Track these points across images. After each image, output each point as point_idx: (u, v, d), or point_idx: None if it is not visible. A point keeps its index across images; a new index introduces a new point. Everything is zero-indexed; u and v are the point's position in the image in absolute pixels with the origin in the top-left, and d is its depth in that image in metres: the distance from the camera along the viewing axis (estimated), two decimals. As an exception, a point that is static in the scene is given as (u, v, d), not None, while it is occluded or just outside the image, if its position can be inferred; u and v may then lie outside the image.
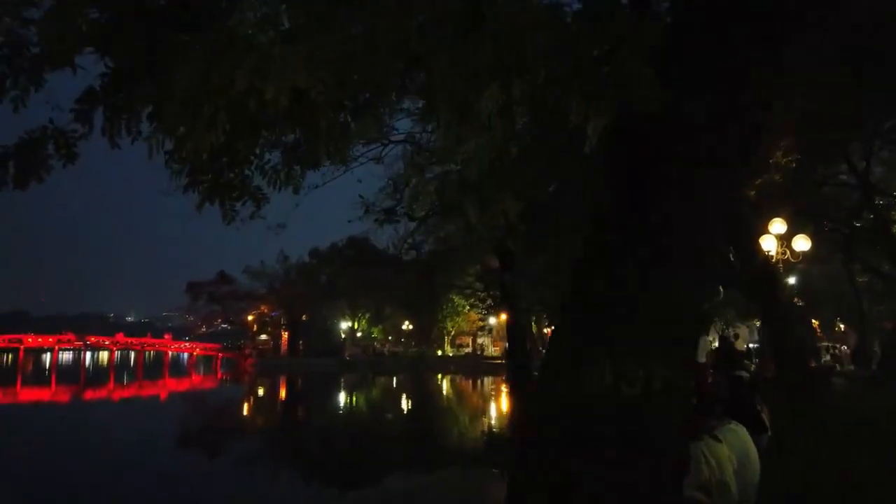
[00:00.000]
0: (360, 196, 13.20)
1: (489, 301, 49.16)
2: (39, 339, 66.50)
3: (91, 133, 3.32)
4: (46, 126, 3.35)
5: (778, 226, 13.73)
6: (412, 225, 13.68)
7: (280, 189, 3.39)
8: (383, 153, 12.18)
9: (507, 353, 10.18)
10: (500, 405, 28.01)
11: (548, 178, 5.41)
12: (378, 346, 67.95)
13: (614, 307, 3.01)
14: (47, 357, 68.75)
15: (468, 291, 50.13)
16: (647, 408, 2.72)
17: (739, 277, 7.87)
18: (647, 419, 2.72)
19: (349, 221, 14.56)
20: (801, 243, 14.24)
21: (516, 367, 9.85)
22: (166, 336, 74.28)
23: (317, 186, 10.96)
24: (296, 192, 3.48)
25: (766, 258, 13.10)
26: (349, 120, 3.48)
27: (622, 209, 3.29)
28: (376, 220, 12.27)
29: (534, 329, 55.90)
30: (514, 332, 10.19)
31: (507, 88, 2.99)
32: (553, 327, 4.23)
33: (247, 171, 3.46)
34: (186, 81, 2.47)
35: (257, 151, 3.38)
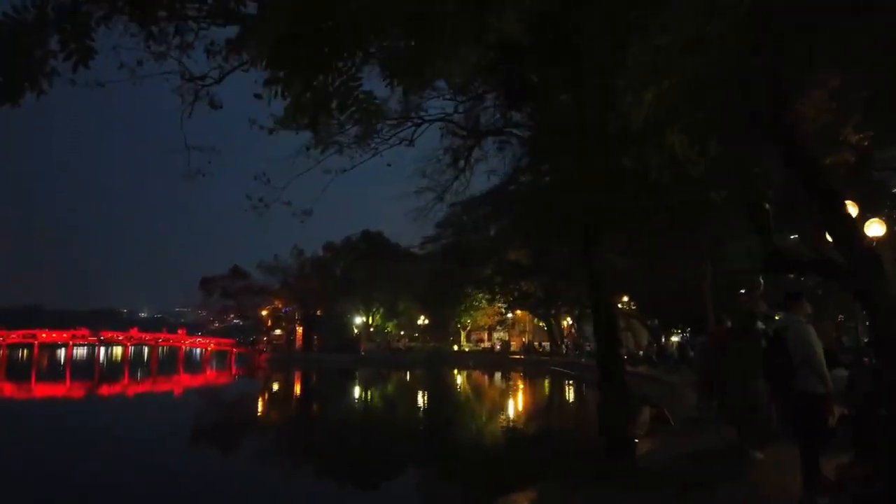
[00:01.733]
0: (450, 144, 11.79)
1: (509, 295, 47.89)
2: (53, 335, 66.36)
3: (113, 17, 2.21)
4: (45, 1, 2.21)
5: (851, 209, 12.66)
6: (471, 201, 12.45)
7: (406, 90, 2.26)
8: (415, 134, 10.99)
9: (597, 350, 9.09)
10: (546, 406, 26.92)
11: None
12: (393, 341, 66.91)
13: None
14: (62, 352, 68.69)
15: (485, 286, 48.83)
16: None
17: (838, 267, 6.61)
18: None
19: (415, 192, 13.06)
20: (876, 227, 13.14)
21: (607, 361, 8.68)
22: (181, 331, 73.82)
23: (345, 170, 9.83)
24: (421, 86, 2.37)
25: (871, 245, 11.89)
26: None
27: None
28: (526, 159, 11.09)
29: (553, 322, 54.84)
30: (602, 319, 9.04)
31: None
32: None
33: (354, 68, 2.30)
34: None
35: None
